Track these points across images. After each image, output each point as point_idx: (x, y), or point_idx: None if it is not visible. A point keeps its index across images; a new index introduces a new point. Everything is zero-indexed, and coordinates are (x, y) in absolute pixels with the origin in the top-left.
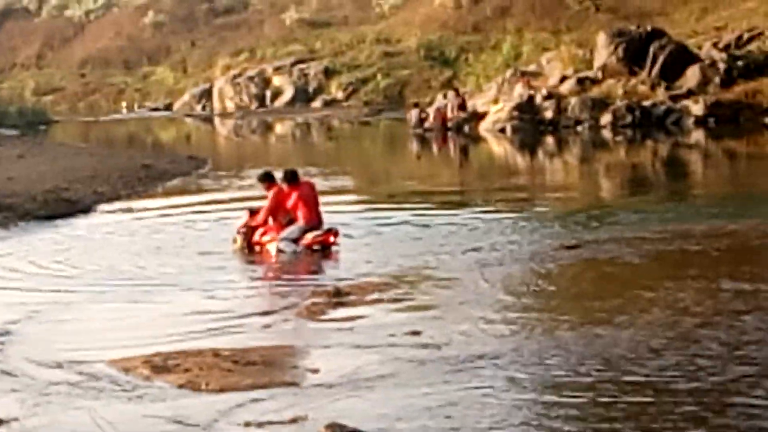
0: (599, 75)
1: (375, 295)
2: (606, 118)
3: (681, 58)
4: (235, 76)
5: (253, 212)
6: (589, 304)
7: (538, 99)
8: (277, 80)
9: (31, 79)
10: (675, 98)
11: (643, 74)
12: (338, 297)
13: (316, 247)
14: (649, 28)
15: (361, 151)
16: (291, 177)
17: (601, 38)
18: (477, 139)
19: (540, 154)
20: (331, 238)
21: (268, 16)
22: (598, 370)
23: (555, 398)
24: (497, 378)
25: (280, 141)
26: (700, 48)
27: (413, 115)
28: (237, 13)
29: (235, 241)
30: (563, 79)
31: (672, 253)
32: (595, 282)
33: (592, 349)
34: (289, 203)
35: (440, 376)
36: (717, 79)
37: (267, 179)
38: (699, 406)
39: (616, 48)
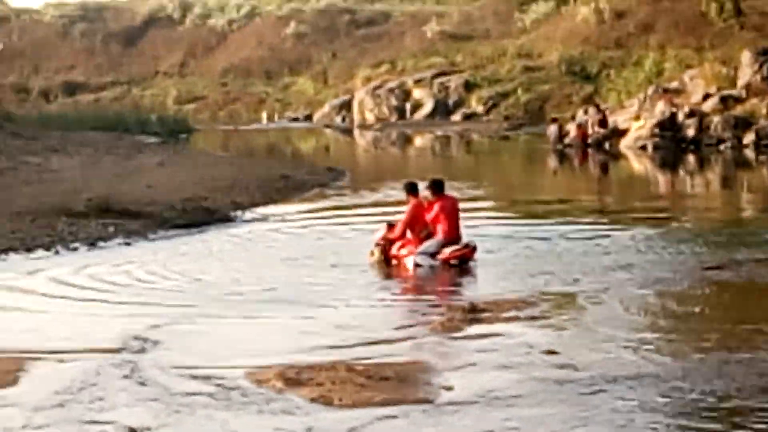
0: (743, 93)
1: (512, 313)
2: (749, 138)
3: None
4: (375, 88)
5: (392, 225)
6: (729, 328)
7: (680, 117)
8: (417, 93)
9: (173, 87)
10: None
11: None
12: (474, 313)
13: (453, 262)
14: None
15: (501, 166)
16: (436, 186)
17: (746, 56)
18: (617, 156)
19: (681, 172)
20: (470, 253)
21: (410, 28)
22: (735, 397)
23: (692, 423)
24: (633, 401)
25: (419, 154)
26: None
27: (552, 130)
28: (378, 25)
29: (372, 253)
30: (706, 96)
31: None
32: (735, 305)
33: (730, 374)
34: (430, 215)
35: (576, 398)
36: None
37: (411, 189)
38: None
39: (761, 66)
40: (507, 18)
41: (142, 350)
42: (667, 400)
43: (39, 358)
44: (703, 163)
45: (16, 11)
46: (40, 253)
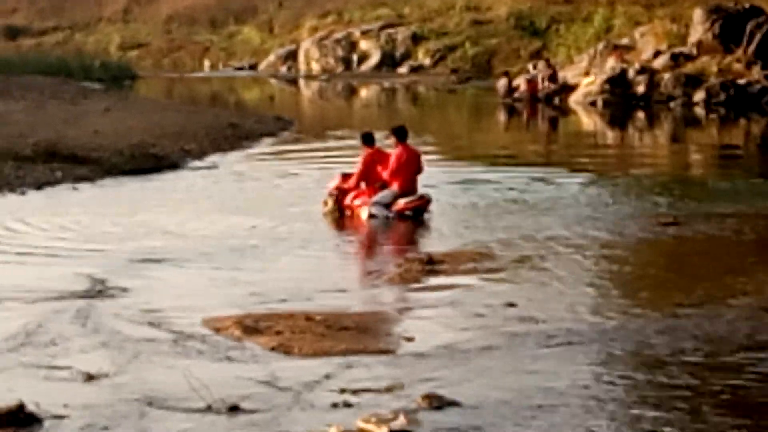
0: (694, 51)
1: (469, 265)
2: (699, 96)
3: None
4: (321, 38)
5: (346, 175)
6: (686, 282)
7: (631, 73)
8: (364, 44)
9: (116, 33)
10: None
11: (739, 52)
12: (431, 265)
13: (408, 213)
14: (746, 5)
15: (449, 119)
16: (400, 134)
17: (697, 14)
18: (567, 111)
19: (631, 128)
20: (425, 204)
21: None
22: (693, 351)
23: (648, 376)
24: (591, 355)
25: (365, 105)
26: None
27: (502, 84)
28: None
29: (325, 203)
30: (657, 54)
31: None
32: (691, 259)
33: (689, 329)
34: (390, 162)
35: (536, 350)
36: None
37: (367, 139)
38: None
39: (712, 24)
40: None
41: (97, 296)
42: (625, 353)
43: None
44: (652, 120)
45: None
46: None
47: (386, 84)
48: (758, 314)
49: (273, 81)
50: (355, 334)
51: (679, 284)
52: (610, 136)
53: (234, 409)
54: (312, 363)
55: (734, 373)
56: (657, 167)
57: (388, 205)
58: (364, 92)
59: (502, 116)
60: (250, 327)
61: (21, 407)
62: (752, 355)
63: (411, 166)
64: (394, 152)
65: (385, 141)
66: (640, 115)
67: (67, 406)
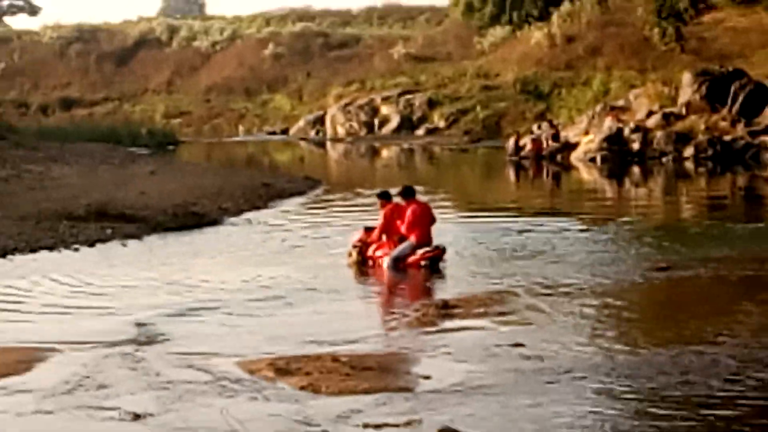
0: (683, 111)
1: (481, 309)
2: (689, 151)
3: (760, 96)
4: (346, 105)
5: (368, 229)
6: (679, 323)
7: (626, 132)
8: (384, 109)
9: (161, 103)
10: (754, 134)
11: (724, 111)
12: (446, 309)
13: (424, 263)
14: (730, 69)
15: (462, 176)
16: (407, 192)
17: (686, 77)
18: (569, 167)
19: (627, 182)
20: (440, 254)
21: (378, 50)
22: (686, 385)
23: (642, 408)
24: (593, 389)
25: (386, 165)
26: None
27: (511, 143)
28: (349, 48)
29: (350, 255)
30: (649, 114)
31: (750, 276)
32: (684, 301)
33: (682, 365)
34: (405, 219)
35: (541, 386)
36: None
37: (384, 197)
38: None
39: (699, 86)
40: (467, 42)
41: (143, 343)
42: (624, 387)
43: (50, 349)
44: (647, 174)
45: (17, 33)
46: (44, 253)
47: (405, 145)
48: (742, 351)
49: (302, 144)
50: (378, 373)
51: (670, 324)
52: (609, 189)
53: None
54: (338, 401)
55: (721, 406)
56: (651, 216)
57: (404, 258)
58: (385, 153)
59: (510, 173)
60: (282, 368)
61: None
62: (737, 388)
63: (425, 219)
64: (409, 208)
65: (396, 199)
66: (636, 169)
67: None
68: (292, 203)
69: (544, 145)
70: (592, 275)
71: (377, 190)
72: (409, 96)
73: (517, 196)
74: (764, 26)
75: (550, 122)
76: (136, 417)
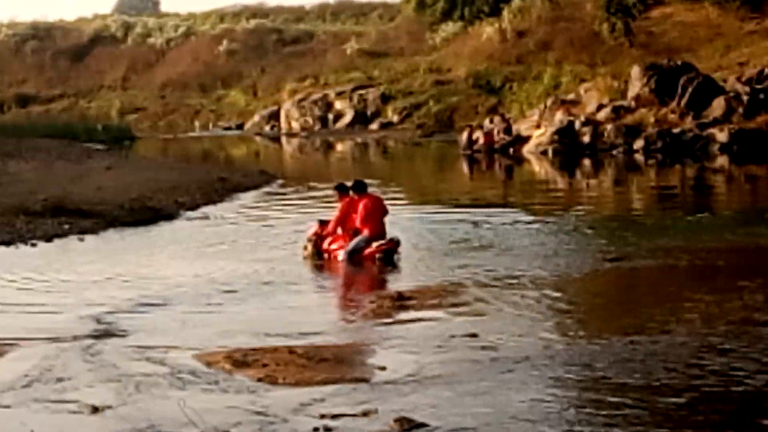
0: (633, 104)
1: (435, 300)
2: (639, 144)
3: (707, 90)
4: (300, 100)
5: (323, 223)
6: (631, 312)
7: (577, 125)
8: (338, 104)
9: (116, 99)
10: (702, 126)
11: (673, 104)
12: (401, 301)
13: (379, 255)
14: (678, 63)
15: (415, 169)
16: (358, 186)
17: (635, 71)
18: (521, 160)
19: (579, 174)
20: (394, 247)
21: (331, 46)
22: (639, 373)
23: (596, 396)
24: (547, 378)
25: (341, 159)
26: (725, 81)
27: (464, 137)
28: (303, 43)
29: (305, 248)
30: (600, 107)
31: (699, 265)
32: (634, 292)
33: (634, 353)
34: (358, 213)
35: (495, 376)
36: (740, 110)
37: (341, 189)
38: (729, 409)
39: (648, 80)
40: (419, 37)
41: (102, 336)
42: (577, 376)
43: (8, 344)
44: (597, 167)
45: None
46: (1, 249)
47: (359, 139)
48: (693, 339)
49: (258, 139)
50: (334, 364)
51: (623, 313)
52: (560, 181)
53: None
54: (295, 392)
55: (674, 393)
56: (602, 208)
57: (362, 249)
58: (339, 147)
59: (464, 166)
60: (239, 360)
61: None
62: (691, 375)
63: (377, 212)
64: (361, 203)
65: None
66: (587, 162)
67: None
68: (248, 197)
69: (496, 138)
70: (544, 266)
71: (334, 183)
72: (362, 91)
73: (470, 189)
74: (711, 21)
75: (502, 116)
76: (95, 410)
